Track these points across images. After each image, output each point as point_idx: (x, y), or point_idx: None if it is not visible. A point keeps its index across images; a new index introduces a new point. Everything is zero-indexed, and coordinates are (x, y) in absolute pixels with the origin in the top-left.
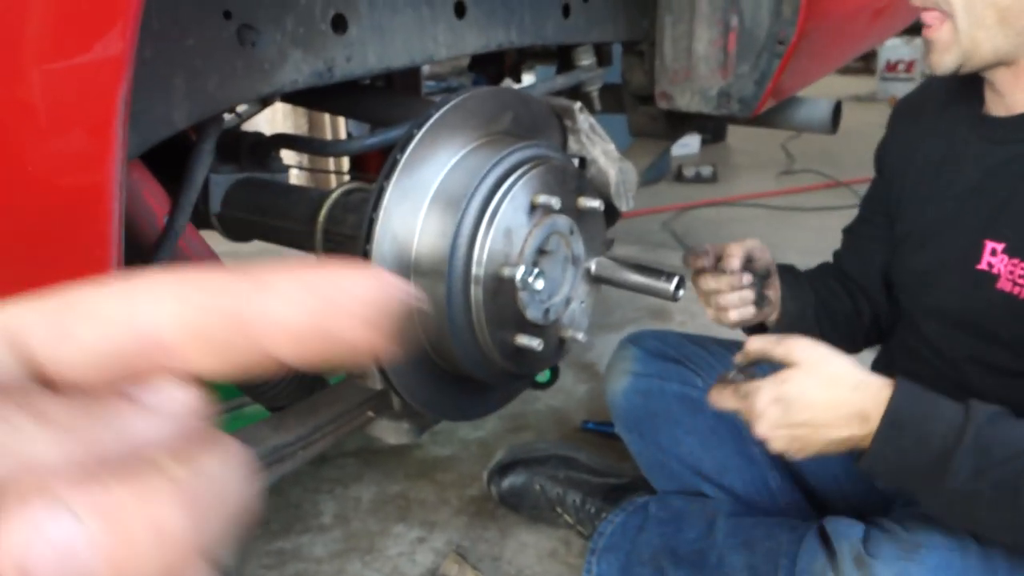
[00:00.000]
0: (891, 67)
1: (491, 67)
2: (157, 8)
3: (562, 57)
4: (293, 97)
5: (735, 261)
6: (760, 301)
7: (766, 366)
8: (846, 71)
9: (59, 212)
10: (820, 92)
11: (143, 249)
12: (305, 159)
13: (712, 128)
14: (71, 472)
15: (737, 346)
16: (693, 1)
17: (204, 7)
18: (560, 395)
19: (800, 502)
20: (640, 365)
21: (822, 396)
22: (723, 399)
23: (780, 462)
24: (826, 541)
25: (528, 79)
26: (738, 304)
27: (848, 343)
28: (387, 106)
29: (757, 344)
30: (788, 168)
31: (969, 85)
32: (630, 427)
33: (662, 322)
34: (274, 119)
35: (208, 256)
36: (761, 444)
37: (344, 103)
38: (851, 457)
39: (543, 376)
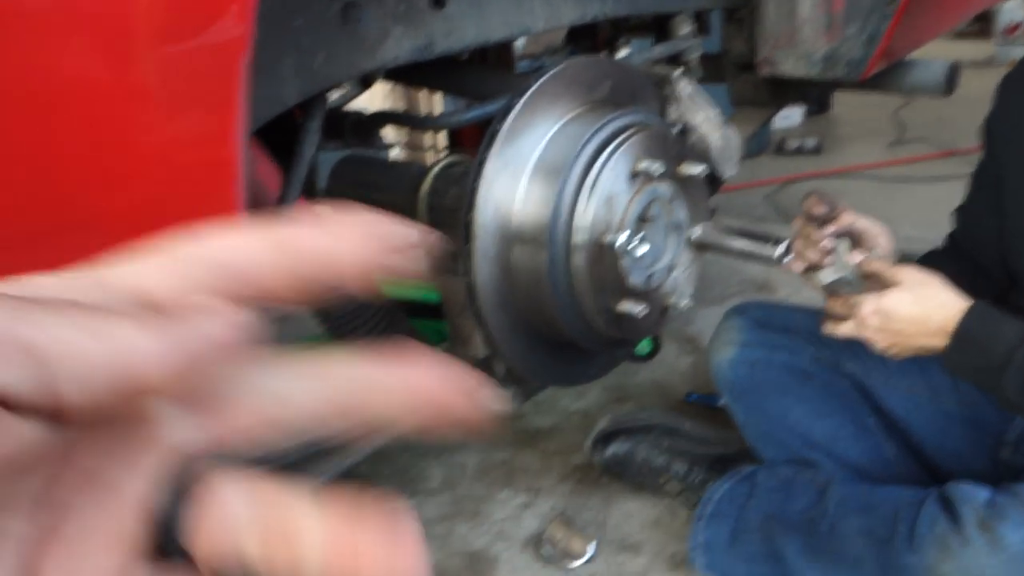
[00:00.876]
0: (1010, 30)
1: (585, 43)
2: None
3: (659, 28)
4: (392, 74)
5: (827, 232)
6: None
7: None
8: (961, 35)
9: (187, 189)
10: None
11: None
12: (404, 138)
13: (816, 98)
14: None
15: None
16: None
17: None
18: (662, 368)
19: (918, 474)
20: (746, 335)
21: (912, 311)
22: (834, 307)
23: (897, 432)
24: (948, 507)
25: (623, 54)
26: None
27: None
28: (484, 80)
29: (876, 264)
30: (899, 138)
31: None
32: (737, 397)
33: (766, 295)
34: (373, 100)
35: None
36: (875, 414)
37: (441, 79)
38: (974, 429)
39: (644, 348)
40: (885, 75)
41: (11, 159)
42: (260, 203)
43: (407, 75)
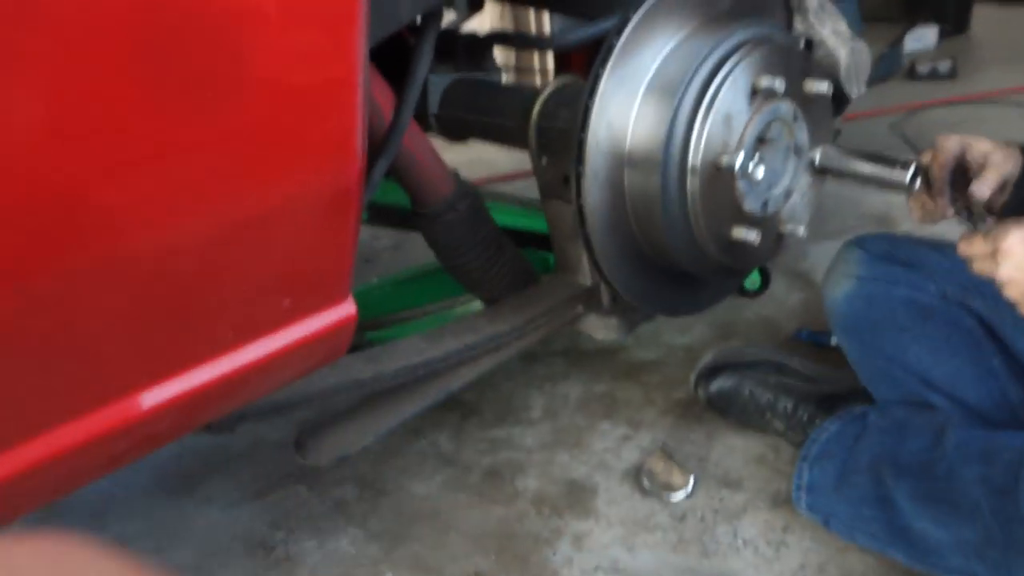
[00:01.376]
0: None
1: None
2: None
3: None
4: None
5: (944, 196)
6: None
7: None
8: None
9: (312, 102)
10: None
11: (372, 144)
12: (513, 64)
13: (953, 16)
14: None
15: None
16: None
17: None
18: (771, 304)
19: None
20: (865, 268)
21: None
22: (972, 245)
23: None
24: None
25: None
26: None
27: None
28: None
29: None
30: None
31: None
32: (851, 334)
33: (888, 228)
34: (482, 24)
35: (430, 153)
36: (1002, 355)
37: None
38: None
39: (754, 284)
40: None
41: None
42: (373, 123)
43: None
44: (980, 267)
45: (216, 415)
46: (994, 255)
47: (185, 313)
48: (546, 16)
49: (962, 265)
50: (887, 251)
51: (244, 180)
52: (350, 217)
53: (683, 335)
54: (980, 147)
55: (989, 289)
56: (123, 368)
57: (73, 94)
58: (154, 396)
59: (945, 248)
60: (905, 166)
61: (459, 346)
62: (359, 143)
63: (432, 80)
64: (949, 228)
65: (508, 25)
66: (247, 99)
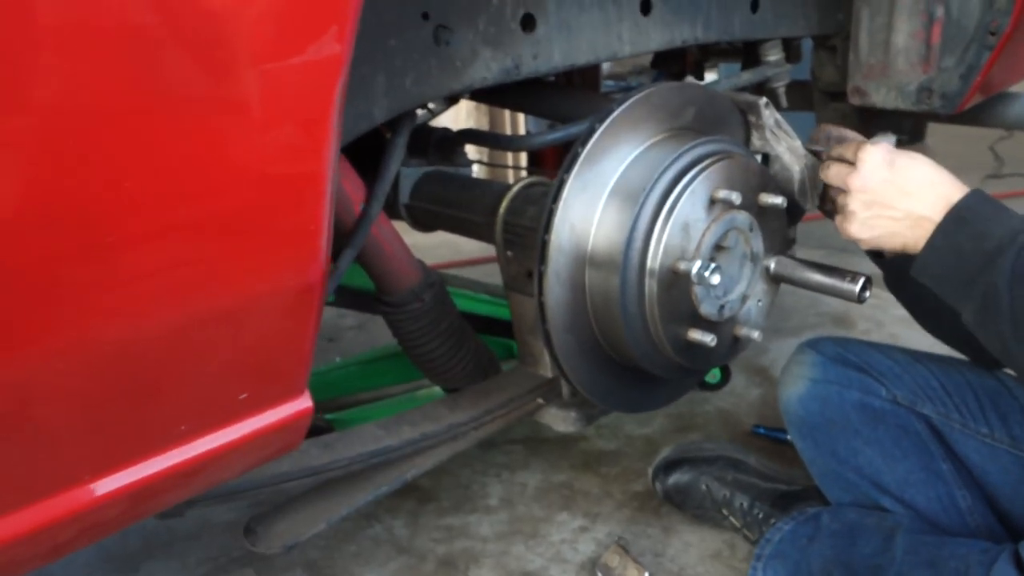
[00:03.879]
0: None
1: (673, 65)
2: (364, 11)
3: (748, 53)
4: (478, 94)
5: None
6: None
7: None
8: None
9: (279, 198)
10: None
11: (340, 233)
12: (486, 156)
13: (909, 128)
14: None
15: (928, 356)
16: None
17: (405, 9)
18: (731, 398)
19: (993, 525)
20: (819, 371)
21: (926, 170)
22: (845, 150)
23: (971, 481)
24: (1020, 566)
25: (710, 77)
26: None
27: None
28: (569, 102)
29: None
30: (996, 172)
31: None
32: (805, 434)
33: (844, 329)
34: (457, 117)
35: (398, 243)
36: (950, 460)
37: (527, 100)
38: None
39: (714, 377)
40: (982, 108)
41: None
42: (343, 215)
43: (493, 95)
44: (837, 172)
45: (168, 504)
46: (852, 167)
47: (139, 404)
48: (521, 115)
49: (911, 370)
50: (840, 354)
51: (205, 274)
52: (311, 313)
53: (643, 426)
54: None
55: (937, 394)
56: (73, 457)
57: (26, 177)
58: (104, 486)
59: (894, 354)
60: (855, 278)
61: (416, 435)
62: (324, 241)
63: (404, 172)
64: (899, 330)
65: (484, 120)
66: (211, 194)
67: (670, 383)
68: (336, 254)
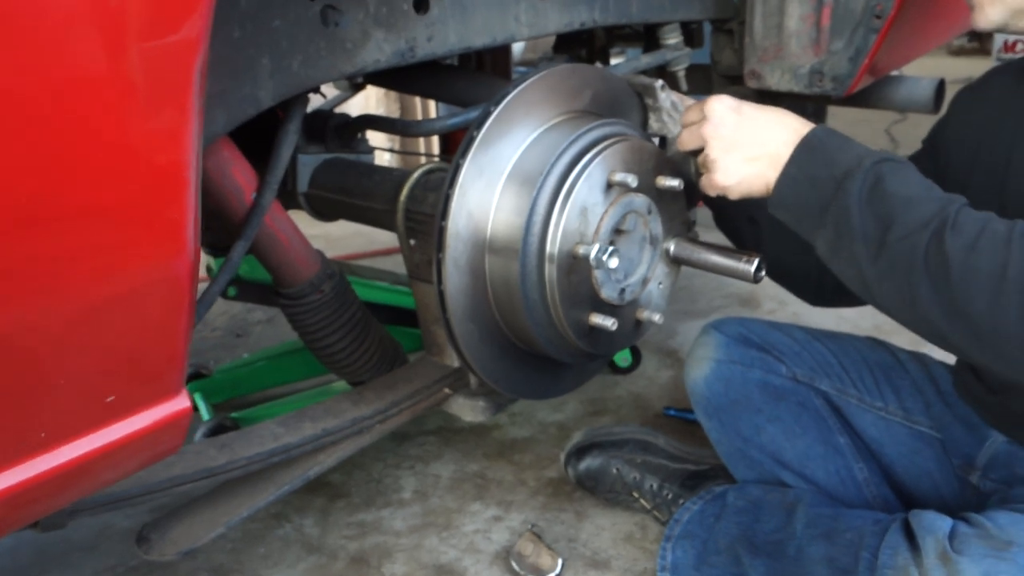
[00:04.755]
0: (1009, 47)
1: (578, 49)
2: None
3: (649, 37)
4: (380, 79)
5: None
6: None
7: None
8: (959, 52)
9: (135, 188)
10: (930, 73)
11: (232, 225)
12: (397, 143)
13: (812, 111)
14: None
15: (825, 334)
16: None
17: None
18: (641, 381)
19: (888, 496)
20: (722, 352)
21: (770, 113)
22: (689, 113)
23: (868, 455)
24: (911, 535)
25: (617, 61)
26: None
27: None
28: (472, 86)
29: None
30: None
31: (1018, 65)
32: (710, 414)
33: (750, 309)
34: (367, 103)
35: (294, 233)
36: (847, 434)
37: (429, 85)
38: (945, 452)
39: (625, 360)
40: (872, 91)
41: None
42: (234, 204)
43: (394, 80)
44: (690, 133)
45: (35, 516)
46: (702, 120)
47: None
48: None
49: (810, 348)
50: (743, 335)
51: (54, 270)
52: (181, 309)
53: (556, 412)
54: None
55: (835, 371)
56: None
57: None
58: None
59: (794, 332)
60: (750, 259)
61: (318, 431)
62: (190, 232)
63: (302, 160)
64: (802, 309)
65: (395, 106)
66: (59, 184)
67: (576, 368)
68: (229, 246)
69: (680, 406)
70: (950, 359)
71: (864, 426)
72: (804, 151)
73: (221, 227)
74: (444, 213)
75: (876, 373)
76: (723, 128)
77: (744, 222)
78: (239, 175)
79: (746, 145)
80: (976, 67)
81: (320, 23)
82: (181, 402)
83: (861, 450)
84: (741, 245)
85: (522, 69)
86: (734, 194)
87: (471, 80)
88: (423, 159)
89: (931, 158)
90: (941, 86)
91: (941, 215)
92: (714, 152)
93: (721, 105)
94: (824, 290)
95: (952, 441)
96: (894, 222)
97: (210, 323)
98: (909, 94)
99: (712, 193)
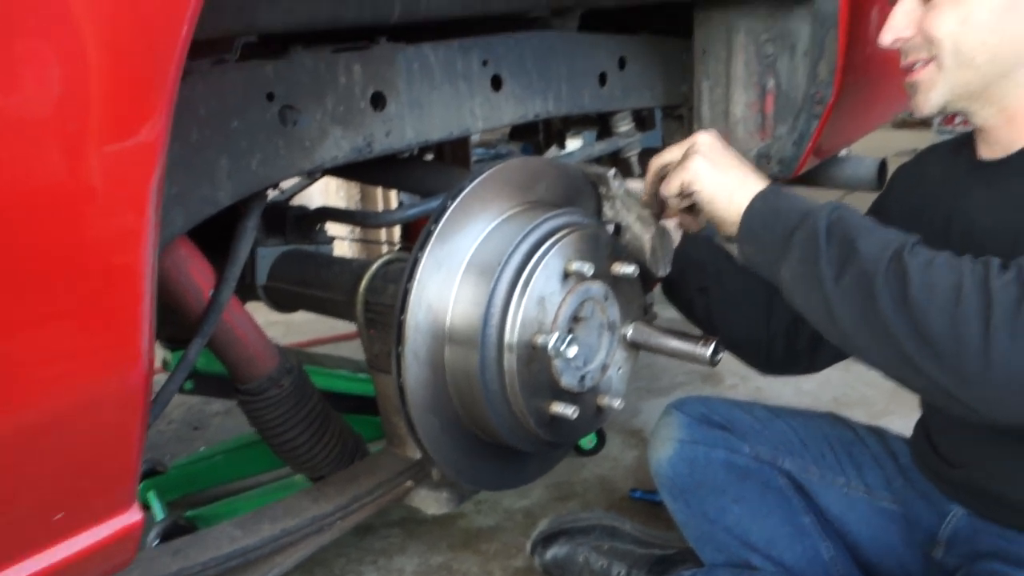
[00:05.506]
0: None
1: (535, 135)
2: (204, 94)
3: (602, 123)
4: (339, 170)
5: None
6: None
7: None
8: (902, 125)
9: (87, 297)
10: (875, 147)
11: (190, 321)
12: (358, 230)
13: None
14: None
15: (786, 411)
16: (729, 66)
17: (249, 91)
18: (607, 462)
19: (855, 575)
20: (685, 432)
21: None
22: (665, 153)
23: (834, 532)
24: None
25: (575, 143)
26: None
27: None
28: (430, 176)
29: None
30: None
31: (962, 141)
32: (675, 496)
33: (712, 385)
34: (328, 190)
35: (251, 329)
36: (811, 513)
37: (388, 175)
38: (908, 527)
39: (590, 443)
40: (819, 170)
41: None
42: (191, 302)
43: (352, 171)
44: (673, 178)
45: None
46: (685, 155)
47: None
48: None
49: (771, 426)
50: (704, 414)
51: None
52: (134, 420)
53: (522, 498)
54: (667, 155)
55: (797, 448)
56: None
57: None
58: None
59: (755, 410)
60: (706, 343)
61: (277, 531)
62: (144, 340)
63: (261, 253)
64: (764, 383)
65: (356, 193)
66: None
67: (540, 456)
68: (187, 339)
69: (646, 487)
70: (908, 431)
71: (828, 504)
72: (771, 191)
73: (178, 321)
74: (403, 306)
75: (837, 449)
76: (707, 145)
77: (695, 293)
78: (196, 273)
79: (725, 165)
80: (919, 138)
81: (278, 123)
82: (133, 515)
83: (826, 528)
84: (692, 316)
85: (480, 150)
86: (702, 195)
87: (430, 170)
88: (384, 248)
89: (878, 215)
90: (883, 165)
91: (900, 240)
92: (695, 159)
93: (710, 133)
94: (774, 356)
95: (914, 516)
96: (857, 245)
97: (166, 416)
98: (854, 173)
99: (674, 186)
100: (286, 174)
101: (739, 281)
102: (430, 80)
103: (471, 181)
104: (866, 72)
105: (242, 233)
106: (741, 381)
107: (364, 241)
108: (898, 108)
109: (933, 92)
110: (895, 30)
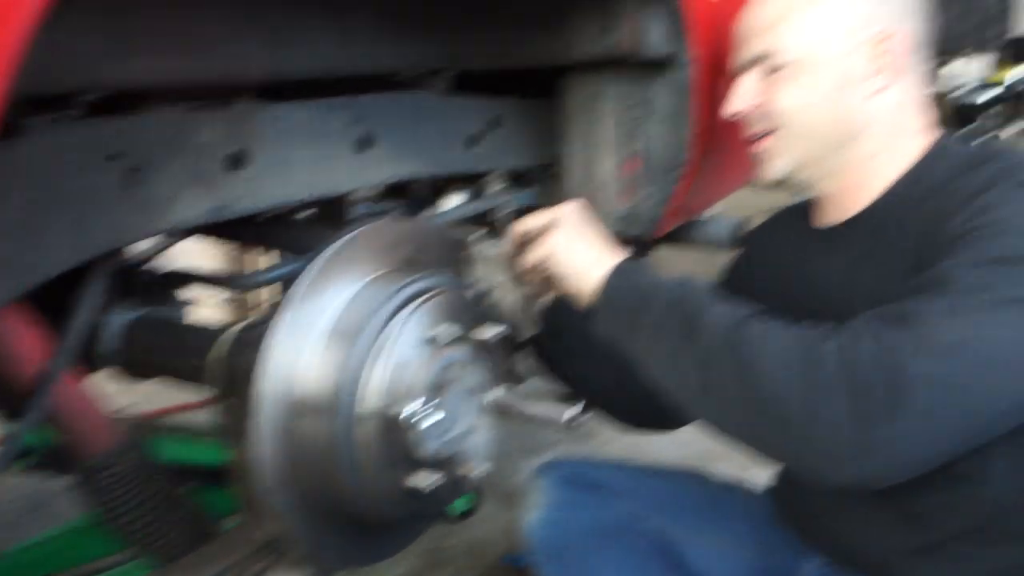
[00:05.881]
0: None
1: (408, 195)
2: (36, 154)
3: (477, 183)
4: (201, 229)
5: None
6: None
7: None
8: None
9: None
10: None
11: (23, 396)
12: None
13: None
14: None
15: (653, 469)
16: (597, 129)
17: (88, 150)
18: (482, 525)
19: None
20: (554, 495)
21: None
22: (528, 221)
23: None
24: None
25: (457, 199)
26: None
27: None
28: (299, 235)
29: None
30: None
31: (803, 207)
32: (546, 561)
33: (586, 441)
34: (204, 251)
35: (88, 403)
36: (680, 568)
37: (253, 234)
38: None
39: (460, 506)
40: (682, 231)
41: None
42: (21, 375)
43: (217, 230)
44: (530, 254)
45: None
46: (545, 228)
47: None
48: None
49: (638, 481)
50: (574, 475)
51: None
52: None
53: (393, 566)
54: (528, 224)
55: (666, 505)
56: None
57: None
58: None
59: (625, 468)
60: (568, 407)
61: None
62: None
63: (110, 319)
64: (638, 438)
65: (226, 257)
66: None
67: (401, 529)
68: (18, 419)
69: (520, 550)
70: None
71: (694, 559)
72: (625, 267)
73: (11, 401)
74: (256, 376)
75: (702, 504)
76: (568, 220)
77: (562, 354)
78: (27, 344)
79: (582, 241)
80: (779, 198)
81: (122, 185)
82: None
83: None
84: (559, 377)
85: (364, 206)
86: (557, 272)
87: (298, 228)
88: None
89: (730, 285)
90: (739, 225)
91: (742, 312)
92: (553, 234)
93: (575, 205)
94: (640, 415)
95: (775, 566)
96: (703, 318)
97: (2, 497)
98: (714, 232)
99: (530, 261)
100: (134, 237)
101: (603, 343)
102: (294, 140)
103: (333, 244)
104: (723, 139)
105: (84, 300)
106: (615, 437)
107: (241, 304)
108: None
109: (778, 161)
110: (737, 103)
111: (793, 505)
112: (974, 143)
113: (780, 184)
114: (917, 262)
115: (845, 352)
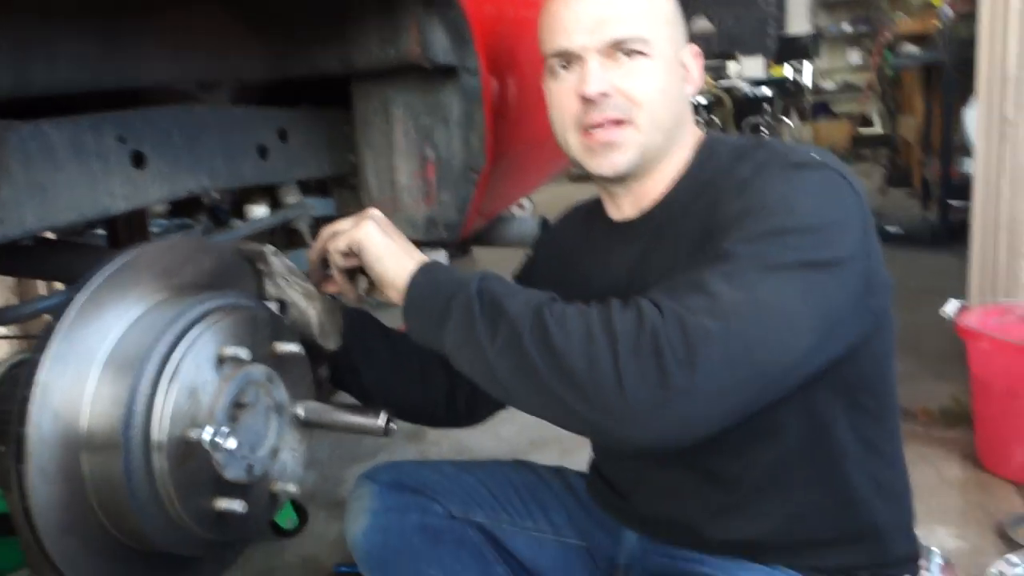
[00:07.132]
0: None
1: (200, 211)
2: None
3: (273, 195)
4: None
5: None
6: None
7: None
8: (578, 179)
9: None
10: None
11: None
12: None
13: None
14: None
15: (474, 464)
16: (391, 136)
17: None
18: (311, 540)
19: None
20: (377, 501)
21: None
22: (338, 222)
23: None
24: None
25: (262, 211)
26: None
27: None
28: (75, 261)
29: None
30: None
31: (595, 203)
32: (373, 568)
33: (416, 443)
34: None
35: None
36: (505, 562)
37: (20, 262)
38: (591, 558)
39: (289, 522)
40: (487, 231)
41: None
42: None
43: None
44: (342, 237)
45: None
46: (357, 219)
47: None
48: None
49: (459, 480)
50: (396, 479)
51: None
52: None
53: None
54: (339, 224)
55: (487, 500)
56: None
57: None
58: None
59: (444, 468)
60: (377, 413)
61: None
62: None
63: None
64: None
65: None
66: None
67: (210, 558)
68: None
69: (352, 560)
70: (586, 467)
71: (519, 549)
72: (431, 265)
73: None
74: (22, 418)
75: (523, 494)
76: (378, 216)
77: (360, 365)
78: None
79: (393, 233)
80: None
81: None
82: None
83: (520, 574)
84: (357, 388)
85: (162, 222)
86: (370, 254)
87: (73, 253)
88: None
89: (526, 279)
90: (544, 223)
91: (540, 298)
92: (367, 222)
93: (376, 212)
94: (438, 417)
95: (595, 547)
96: (504, 307)
97: None
98: (519, 231)
99: (342, 243)
100: None
101: (397, 351)
102: (53, 160)
103: (102, 269)
104: (516, 141)
105: None
106: (444, 436)
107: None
108: (554, 170)
109: (630, 152)
110: (598, 84)
111: (605, 485)
112: (738, 136)
113: (615, 179)
114: (701, 246)
115: (641, 319)
